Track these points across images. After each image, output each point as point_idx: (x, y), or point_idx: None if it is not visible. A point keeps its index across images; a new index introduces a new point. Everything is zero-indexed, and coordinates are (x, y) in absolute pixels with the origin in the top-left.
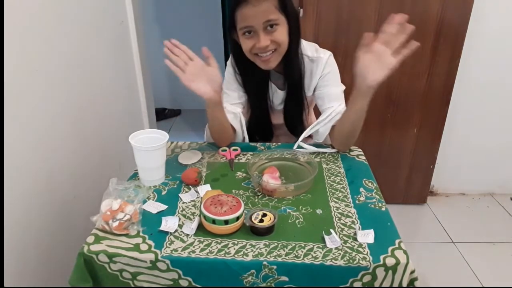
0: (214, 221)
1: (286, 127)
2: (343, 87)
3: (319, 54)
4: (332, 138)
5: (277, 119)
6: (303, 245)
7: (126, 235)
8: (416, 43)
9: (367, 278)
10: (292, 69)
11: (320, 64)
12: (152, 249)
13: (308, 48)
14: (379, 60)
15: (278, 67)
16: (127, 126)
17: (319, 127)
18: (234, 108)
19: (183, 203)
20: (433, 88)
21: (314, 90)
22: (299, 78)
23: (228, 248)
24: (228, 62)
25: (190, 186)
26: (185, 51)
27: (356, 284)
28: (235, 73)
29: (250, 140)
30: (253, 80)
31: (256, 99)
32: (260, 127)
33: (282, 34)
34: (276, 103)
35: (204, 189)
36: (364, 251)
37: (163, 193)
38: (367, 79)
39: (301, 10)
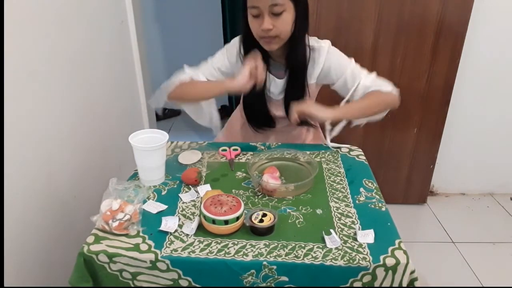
0: (214, 221)
1: (287, 117)
2: (352, 60)
3: (320, 43)
4: None
5: (277, 110)
6: (303, 245)
7: (126, 235)
8: None
9: (367, 278)
10: (295, 57)
11: (322, 53)
12: (152, 249)
13: (309, 38)
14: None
15: (279, 57)
16: (127, 126)
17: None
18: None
19: (183, 203)
20: (433, 88)
21: (318, 79)
22: (303, 66)
23: (228, 248)
24: (227, 45)
25: (190, 186)
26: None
27: (356, 284)
28: (237, 54)
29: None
30: None
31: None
32: (257, 115)
33: (286, 22)
34: (275, 93)
35: (204, 189)
36: (364, 251)
37: (163, 193)
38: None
39: None
